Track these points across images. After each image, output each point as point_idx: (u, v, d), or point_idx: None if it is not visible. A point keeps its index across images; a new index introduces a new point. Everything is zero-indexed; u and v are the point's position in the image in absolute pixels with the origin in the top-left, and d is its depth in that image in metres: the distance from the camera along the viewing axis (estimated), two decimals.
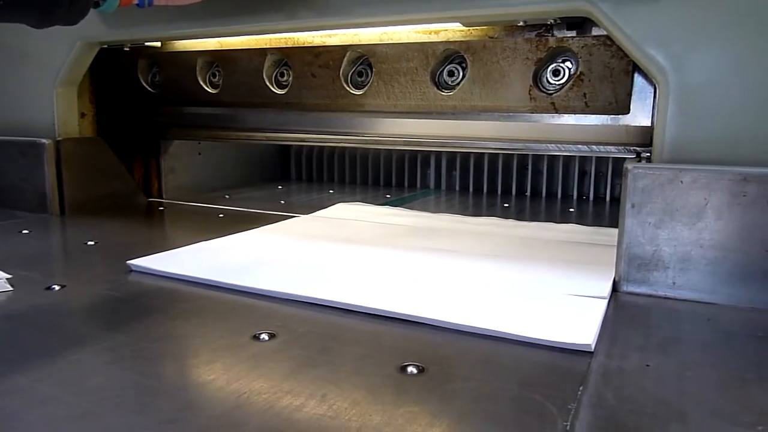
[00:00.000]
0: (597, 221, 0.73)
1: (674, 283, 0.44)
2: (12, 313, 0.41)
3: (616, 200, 0.76)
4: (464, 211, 0.78)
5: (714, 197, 0.42)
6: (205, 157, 0.96)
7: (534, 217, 0.74)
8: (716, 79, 0.44)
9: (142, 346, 0.35)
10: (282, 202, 0.88)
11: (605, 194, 0.79)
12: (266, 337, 0.36)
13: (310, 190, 0.96)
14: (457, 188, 0.90)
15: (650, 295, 0.45)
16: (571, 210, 0.78)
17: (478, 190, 0.89)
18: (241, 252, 0.55)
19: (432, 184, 0.91)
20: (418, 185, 0.91)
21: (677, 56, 0.45)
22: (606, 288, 0.44)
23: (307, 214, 0.76)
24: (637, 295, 0.45)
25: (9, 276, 0.46)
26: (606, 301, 0.42)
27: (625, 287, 0.45)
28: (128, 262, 0.50)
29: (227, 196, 0.92)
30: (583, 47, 0.57)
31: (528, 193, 0.84)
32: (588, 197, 0.80)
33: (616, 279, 0.46)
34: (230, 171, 1.01)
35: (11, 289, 0.45)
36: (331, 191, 0.94)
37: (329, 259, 0.53)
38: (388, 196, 0.88)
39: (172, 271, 0.48)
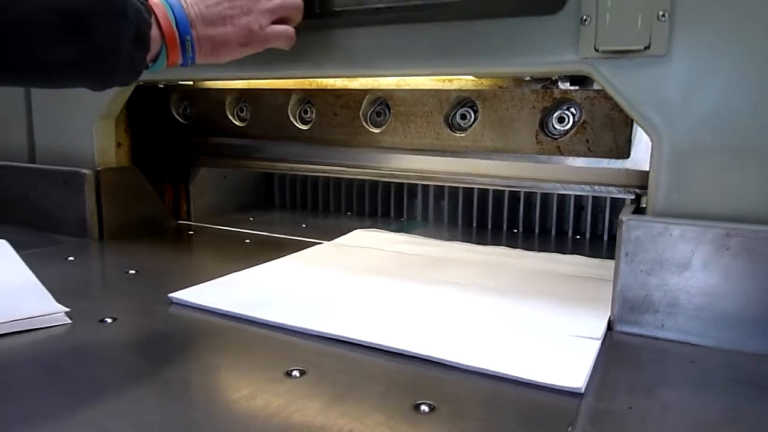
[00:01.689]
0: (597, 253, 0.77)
1: (663, 326, 0.49)
2: (75, 347, 0.46)
3: (612, 238, 0.80)
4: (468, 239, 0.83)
5: (700, 250, 0.47)
6: (230, 181, 1.01)
7: (537, 247, 0.78)
8: (707, 142, 0.48)
9: (189, 381, 0.41)
10: (303, 225, 0.93)
11: (603, 231, 0.82)
12: (297, 374, 0.42)
13: (327, 216, 1.01)
14: (446, 221, 0.93)
15: (641, 335, 0.49)
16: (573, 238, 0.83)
17: (467, 223, 0.91)
18: (272, 284, 0.60)
19: (428, 215, 0.94)
20: (419, 215, 0.95)
21: (671, 118, 0.49)
22: (601, 329, 0.49)
23: (328, 239, 0.81)
24: (629, 334, 0.49)
25: (67, 309, 0.51)
26: (600, 341, 0.47)
27: (619, 327, 0.50)
28: (169, 295, 0.56)
29: (251, 219, 0.98)
30: (585, 99, 0.61)
31: (525, 227, 0.88)
32: (585, 233, 0.84)
33: (611, 319, 0.50)
34: (252, 195, 1.07)
35: (70, 321, 0.50)
36: (348, 214, 0.99)
37: (353, 293, 0.58)
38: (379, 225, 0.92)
39: (210, 305, 0.53)
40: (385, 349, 0.46)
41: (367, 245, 0.77)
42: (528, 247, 0.77)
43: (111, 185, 0.83)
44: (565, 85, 0.64)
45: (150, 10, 0.49)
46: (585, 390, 0.40)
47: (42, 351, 0.46)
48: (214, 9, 0.53)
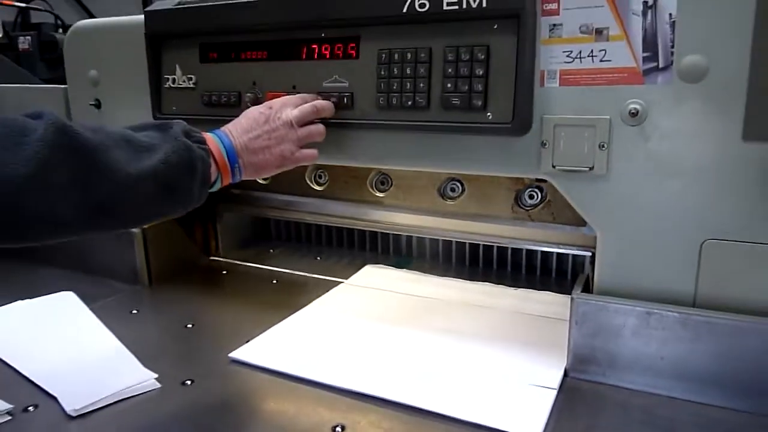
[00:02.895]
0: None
1: (605, 374, 0.66)
2: (174, 411, 0.62)
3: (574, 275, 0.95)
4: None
5: (629, 322, 0.63)
6: (252, 220, 1.16)
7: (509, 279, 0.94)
8: (637, 239, 0.64)
9: None
10: (318, 258, 1.09)
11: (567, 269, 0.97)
12: (340, 429, 0.58)
13: (334, 252, 1.16)
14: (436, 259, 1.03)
15: (588, 380, 0.66)
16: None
17: (449, 261, 1.03)
18: (311, 339, 0.76)
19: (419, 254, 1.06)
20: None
21: (610, 220, 0.65)
22: (558, 379, 0.66)
23: (343, 275, 0.97)
24: (580, 380, 0.67)
25: (156, 375, 0.68)
26: (556, 391, 0.64)
27: (572, 374, 0.67)
28: (229, 355, 0.72)
29: (271, 251, 1.13)
30: (549, 187, 0.77)
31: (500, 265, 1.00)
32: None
33: (567, 368, 0.68)
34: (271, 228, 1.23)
35: (159, 386, 0.67)
36: (350, 249, 1.15)
37: (371, 345, 0.74)
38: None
39: (264, 365, 0.70)
40: (394, 401, 0.62)
41: (378, 286, 0.93)
42: (501, 279, 0.93)
43: (154, 236, 0.98)
44: None
45: (209, 152, 0.63)
46: None
47: (151, 417, 0.61)
48: (255, 141, 0.67)
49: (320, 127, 0.73)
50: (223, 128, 0.68)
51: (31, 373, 0.68)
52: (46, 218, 0.49)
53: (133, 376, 0.67)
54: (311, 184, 0.95)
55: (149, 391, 0.66)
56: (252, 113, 0.70)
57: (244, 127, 0.68)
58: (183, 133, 0.60)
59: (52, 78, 3.02)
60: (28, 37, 3.13)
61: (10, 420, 0.60)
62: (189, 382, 0.67)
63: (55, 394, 0.64)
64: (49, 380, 0.67)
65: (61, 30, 3.37)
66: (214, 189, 0.66)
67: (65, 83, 1.02)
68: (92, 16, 5.38)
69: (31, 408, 0.62)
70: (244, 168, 0.67)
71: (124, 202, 0.54)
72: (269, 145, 0.68)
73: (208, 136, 0.65)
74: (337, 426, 0.59)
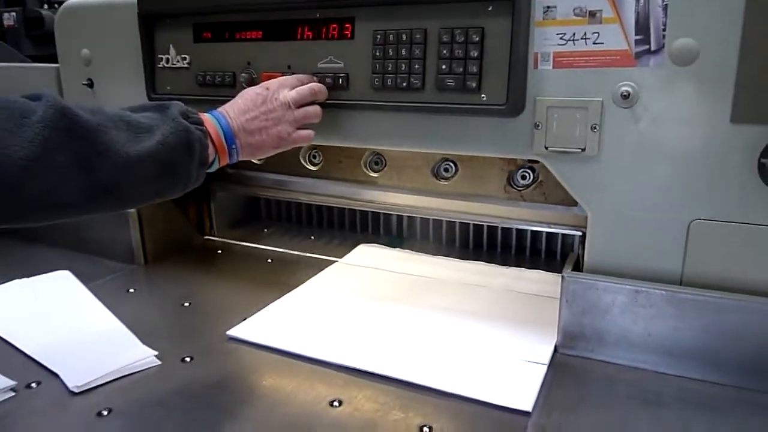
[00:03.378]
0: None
1: (593, 350, 0.68)
2: (175, 387, 0.63)
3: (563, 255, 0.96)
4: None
5: (617, 300, 0.65)
6: (245, 199, 1.17)
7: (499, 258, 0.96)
8: (626, 218, 0.66)
9: (266, 421, 0.58)
10: (312, 237, 1.10)
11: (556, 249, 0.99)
12: (337, 404, 0.60)
13: (328, 232, 1.17)
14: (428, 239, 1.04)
15: (577, 356, 0.68)
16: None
17: (445, 241, 1.04)
18: (307, 317, 0.77)
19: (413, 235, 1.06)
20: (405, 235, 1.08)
21: (600, 200, 0.67)
22: (548, 354, 0.68)
23: (337, 255, 0.98)
24: (569, 356, 0.69)
25: (156, 352, 0.69)
26: (546, 366, 0.66)
27: (561, 351, 0.69)
28: (227, 332, 0.73)
29: (265, 230, 1.14)
30: (541, 167, 0.78)
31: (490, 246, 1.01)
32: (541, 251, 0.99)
33: (557, 344, 0.70)
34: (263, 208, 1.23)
35: (159, 363, 0.68)
36: (343, 229, 1.16)
37: (367, 322, 0.76)
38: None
39: (262, 342, 0.71)
40: (389, 377, 0.64)
41: (372, 265, 0.95)
42: (493, 259, 0.95)
43: (149, 215, 0.98)
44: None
45: (206, 133, 0.64)
46: (533, 408, 0.59)
47: (153, 393, 0.63)
48: (252, 122, 0.68)
49: (317, 108, 0.73)
50: (220, 109, 0.68)
51: (32, 350, 0.69)
52: (47, 199, 0.50)
53: (134, 353, 0.68)
54: (305, 164, 0.96)
55: (150, 367, 0.67)
56: (249, 94, 0.70)
57: (241, 108, 0.68)
58: (181, 114, 0.60)
59: (38, 55, 2.98)
60: (13, 14, 3.08)
61: (13, 396, 0.62)
62: (188, 359, 0.68)
63: (57, 371, 0.65)
64: (51, 357, 0.68)
65: (46, 6, 3.32)
66: (212, 169, 0.67)
67: (52, 60, 1.01)
68: None
69: (33, 385, 0.63)
70: (242, 149, 0.68)
71: (124, 183, 0.55)
72: (266, 126, 0.69)
73: (206, 117, 0.66)
74: (334, 401, 0.61)
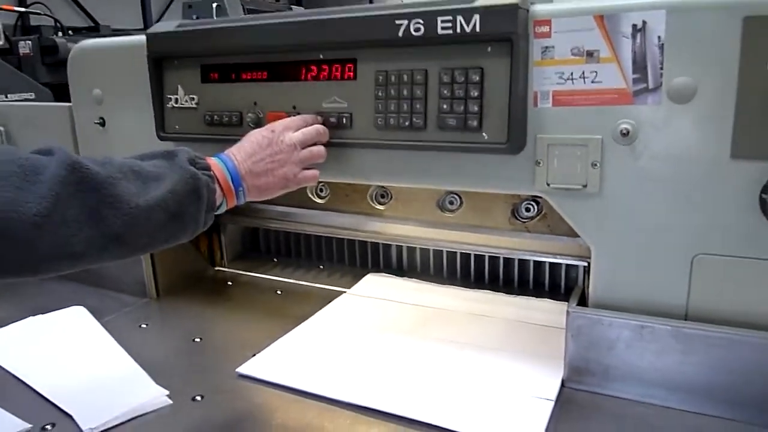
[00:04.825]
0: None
1: (599, 385, 0.68)
2: (186, 428, 0.64)
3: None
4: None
5: (623, 335, 0.65)
6: (254, 230, 1.18)
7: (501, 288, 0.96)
8: (629, 253, 0.66)
9: None
10: (320, 267, 1.11)
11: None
12: None
13: (335, 263, 1.17)
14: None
15: (584, 390, 0.68)
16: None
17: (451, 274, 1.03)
18: (316, 352, 0.78)
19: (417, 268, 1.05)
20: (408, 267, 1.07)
21: (603, 236, 0.67)
22: (555, 389, 0.68)
23: (346, 285, 0.99)
24: (576, 390, 0.69)
25: (167, 392, 0.70)
26: (553, 402, 0.66)
27: (568, 385, 0.69)
28: (237, 370, 0.74)
29: (275, 260, 1.15)
30: (545, 200, 0.79)
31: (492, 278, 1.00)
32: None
33: (563, 379, 0.70)
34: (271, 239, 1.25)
35: (171, 402, 0.69)
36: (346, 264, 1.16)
37: (376, 357, 0.76)
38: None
39: (271, 380, 0.72)
40: (398, 415, 0.65)
41: (381, 295, 0.95)
42: (498, 290, 0.95)
43: (161, 252, 1.00)
44: None
45: (214, 177, 0.65)
46: None
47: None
48: (259, 164, 0.69)
49: (321, 148, 0.75)
50: (227, 152, 0.70)
51: (47, 391, 0.71)
52: (59, 252, 0.51)
53: (146, 392, 0.70)
54: (313, 197, 0.97)
55: (161, 407, 0.68)
56: (255, 137, 0.72)
57: (247, 151, 0.70)
58: (189, 161, 0.62)
59: (54, 83, 3.05)
60: (29, 42, 3.15)
61: None
62: (199, 398, 0.69)
63: (71, 413, 0.66)
64: (65, 398, 0.69)
65: (60, 33, 3.39)
66: (219, 212, 0.68)
67: (66, 88, 1.04)
68: (92, 19, 5.39)
69: (48, 426, 0.65)
70: (248, 191, 0.69)
71: (134, 232, 0.56)
72: (272, 168, 0.70)
73: (213, 161, 0.67)
74: None
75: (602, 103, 0.64)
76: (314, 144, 0.75)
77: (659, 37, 0.61)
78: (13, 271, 0.51)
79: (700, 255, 0.64)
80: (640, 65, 0.62)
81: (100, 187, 0.53)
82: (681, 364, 0.64)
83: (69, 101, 1.04)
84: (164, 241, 0.60)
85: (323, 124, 0.77)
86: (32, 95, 2.80)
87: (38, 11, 3.67)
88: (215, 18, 2.40)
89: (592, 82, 0.64)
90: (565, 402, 0.67)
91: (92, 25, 4.92)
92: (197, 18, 2.51)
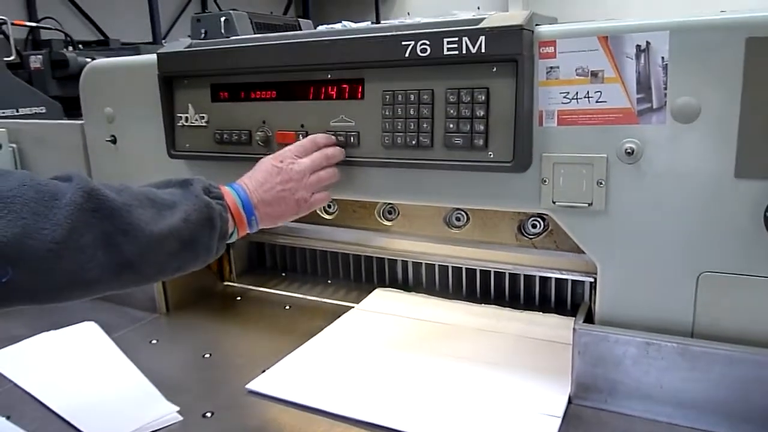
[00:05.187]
0: None
1: (606, 401, 0.68)
2: None
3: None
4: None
5: (629, 352, 0.66)
6: (263, 245, 1.20)
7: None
8: (635, 271, 0.67)
9: None
10: (328, 282, 1.12)
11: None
12: None
13: (343, 278, 1.18)
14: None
15: (591, 407, 0.69)
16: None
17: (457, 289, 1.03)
18: (325, 368, 0.79)
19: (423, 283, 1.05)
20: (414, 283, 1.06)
21: (609, 254, 0.68)
22: (562, 406, 0.68)
23: (354, 300, 1.00)
24: (583, 407, 0.69)
25: (178, 408, 0.71)
26: (560, 419, 0.66)
27: (575, 401, 0.70)
28: (247, 386, 0.75)
29: (283, 275, 1.16)
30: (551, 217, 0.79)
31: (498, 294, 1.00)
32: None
33: (570, 395, 0.70)
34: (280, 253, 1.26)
35: (181, 419, 0.70)
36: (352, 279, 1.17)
37: (384, 374, 0.77)
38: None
39: (280, 396, 0.73)
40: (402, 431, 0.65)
41: (388, 311, 0.96)
42: (501, 304, 0.95)
43: None
44: None
45: (226, 207, 0.66)
46: None
47: None
48: (270, 192, 0.70)
49: (330, 171, 0.76)
50: (239, 181, 0.71)
51: (59, 407, 0.72)
52: (74, 278, 0.52)
53: (156, 409, 0.71)
54: (321, 213, 0.98)
55: (172, 424, 0.69)
56: (266, 166, 0.73)
57: (259, 180, 0.71)
58: (203, 190, 0.63)
59: (64, 96, 3.09)
60: (40, 56, 3.20)
61: None
62: (209, 414, 0.70)
63: (82, 429, 0.67)
64: (77, 415, 0.70)
65: (71, 47, 3.44)
66: (231, 240, 0.69)
67: (76, 101, 1.05)
68: (102, 33, 5.45)
69: None
70: (261, 219, 0.70)
71: (147, 260, 0.57)
72: (284, 196, 0.71)
73: (226, 191, 0.68)
74: None
75: (607, 123, 0.65)
76: (324, 168, 0.76)
77: (663, 58, 0.62)
78: (27, 298, 0.52)
79: (705, 272, 0.64)
80: (644, 85, 0.63)
81: (115, 215, 0.55)
82: (687, 381, 0.64)
83: (79, 114, 1.06)
84: (176, 269, 0.61)
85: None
86: (43, 109, 2.83)
87: (49, 26, 3.73)
88: (223, 32, 2.44)
89: (597, 101, 0.65)
90: (572, 418, 0.67)
91: (102, 38, 4.99)
92: (206, 32, 2.54)
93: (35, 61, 3.19)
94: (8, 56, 2.95)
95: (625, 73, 0.64)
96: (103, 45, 4.23)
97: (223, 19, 2.54)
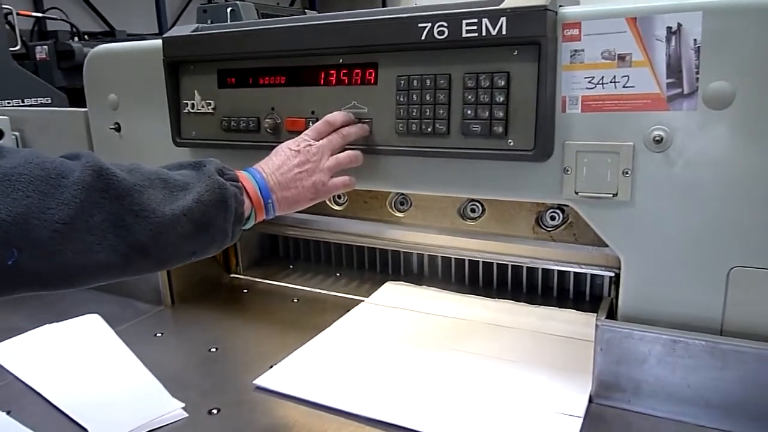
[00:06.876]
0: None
1: (629, 401, 0.65)
2: None
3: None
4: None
5: (654, 350, 0.63)
6: (270, 236, 1.17)
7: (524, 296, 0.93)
8: (660, 265, 0.64)
9: None
10: (337, 274, 1.09)
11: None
12: None
13: (353, 270, 1.15)
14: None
15: (613, 407, 0.66)
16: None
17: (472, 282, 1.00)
18: (334, 364, 0.76)
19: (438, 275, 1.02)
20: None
21: (634, 247, 0.65)
22: (583, 406, 0.65)
23: (364, 293, 0.97)
24: (605, 406, 0.66)
25: (183, 405, 0.68)
26: (581, 419, 0.64)
27: (596, 401, 0.67)
28: (254, 382, 0.73)
29: (291, 267, 1.14)
30: (572, 208, 0.76)
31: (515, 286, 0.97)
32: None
33: (591, 394, 0.67)
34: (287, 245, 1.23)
35: (187, 415, 0.67)
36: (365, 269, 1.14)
37: (395, 371, 0.74)
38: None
39: (288, 392, 0.70)
40: (414, 430, 0.62)
41: (400, 305, 0.93)
42: (518, 299, 0.92)
43: None
44: None
45: (242, 189, 0.63)
46: None
47: None
48: (287, 175, 0.67)
49: (350, 154, 0.72)
50: (255, 166, 0.68)
51: (62, 403, 0.69)
52: (82, 261, 0.49)
53: (161, 405, 0.68)
54: (330, 204, 0.95)
55: (177, 421, 0.67)
56: (282, 150, 0.70)
57: (275, 164, 0.68)
58: (216, 171, 0.60)
59: (69, 87, 3.07)
60: (45, 47, 3.18)
61: None
62: (215, 411, 0.68)
63: (86, 427, 0.65)
64: (80, 411, 0.68)
65: (76, 38, 3.42)
66: (248, 226, 0.66)
67: (81, 92, 1.03)
68: (108, 24, 5.43)
69: None
70: (278, 203, 0.67)
71: (161, 242, 0.54)
72: (301, 179, 0.68)
73: (241, 174, 0.66)
74: None
75: (634, 109, 0.62)
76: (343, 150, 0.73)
77: (695, 40, 0.58)
78: (35, 283, 0.49)
79: (737, 267, 0.61)
80: (674, 69, 0.60)
81: (125, 195, 0.52)
82: (715, 381, 0.61)
83: (85, 105, 1.03)
84: (191, 254, 0.59)
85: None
86: (48, 99, 2.82)
87: (55, 17, 3.71)
88: (230, 22, 2.40)
89: (624, 87, 0.62)
90: (594, 419, 0.64)
91: (108, 29, 4.97)
92: (212, 22, 2.51)
93: (41, 51, 3.18)
94: (14, 46, 2.94)
95: (655, 56, 0.60)
96: (109, 36, 4.21)
97: (229, 9, 2.51)
